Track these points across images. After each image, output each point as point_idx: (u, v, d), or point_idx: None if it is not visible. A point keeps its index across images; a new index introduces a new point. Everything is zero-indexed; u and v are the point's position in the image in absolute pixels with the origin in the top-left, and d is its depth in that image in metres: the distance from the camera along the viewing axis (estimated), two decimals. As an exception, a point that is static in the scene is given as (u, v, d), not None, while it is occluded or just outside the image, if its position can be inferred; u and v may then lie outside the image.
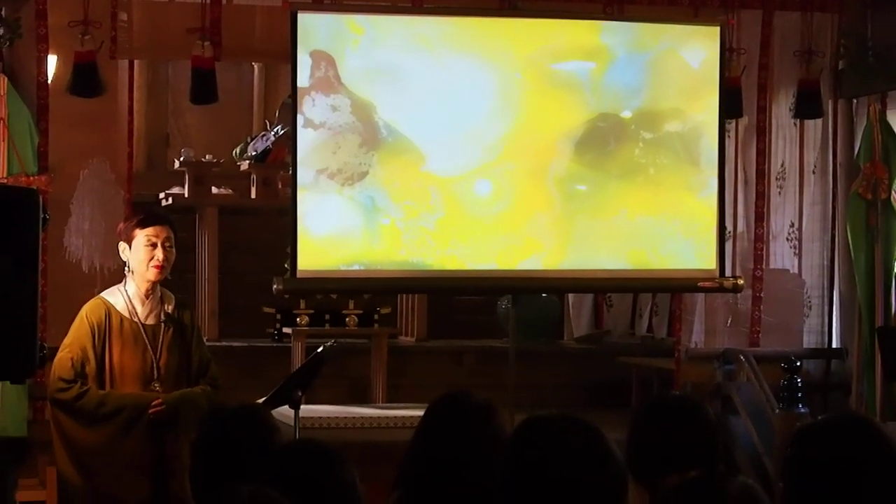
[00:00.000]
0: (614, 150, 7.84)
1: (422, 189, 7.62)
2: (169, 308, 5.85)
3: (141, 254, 5.75)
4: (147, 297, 5.80)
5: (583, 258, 7.81)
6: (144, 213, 5.97)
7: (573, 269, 7.80)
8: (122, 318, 5.75)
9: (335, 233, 7.50)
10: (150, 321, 5.79)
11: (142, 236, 5.76)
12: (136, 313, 5.78)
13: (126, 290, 5.82)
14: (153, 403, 5.65)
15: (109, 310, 5.76)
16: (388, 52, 7.59)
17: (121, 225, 5.95)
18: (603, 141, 7.82)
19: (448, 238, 7.66)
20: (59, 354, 5.67)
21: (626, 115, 7.87)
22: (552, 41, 7.80)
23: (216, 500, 2.60)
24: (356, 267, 7.55)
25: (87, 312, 5.77)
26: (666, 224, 7.88)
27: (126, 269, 5.83)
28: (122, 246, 5.82)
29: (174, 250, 5.83)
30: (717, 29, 8.03)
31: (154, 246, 5.76)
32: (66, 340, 5.74)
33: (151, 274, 5.76)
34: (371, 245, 7.54)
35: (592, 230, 7.80)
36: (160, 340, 5.77)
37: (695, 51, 7.95)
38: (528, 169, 7.76)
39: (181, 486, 5.31)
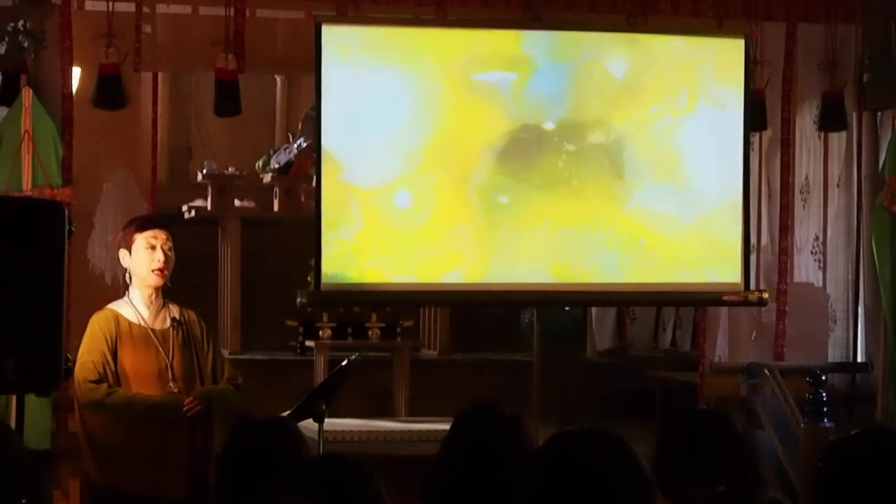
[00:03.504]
0: (537, 161, 7.74)
1: (340, 200, 7.51)
2: (175, 312, 5.90)
3: (141, 257, 5.83)
4: (152, 301, 5.87)
5: (505, 270, 7.70)
6: (142, 218, 6.08)
7: (496, 282, 7.70)
8: (130, 324, 5.84)
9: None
10: (158, 325, 5.87)
11: (141, 239, 5.84)
12: (144, 318, 5.85)
13: (131, 299, 5.89)
14: (187, 402, 5.69)
15: (118, 317, 5.85)
16: None
17: (119, 234, 6.05)
18: (525, 152, 7.72)
19: (368, 250, 7.56)
20: (79, 361, 5.75)
21: (549, 125, 7.76)
22: (473, 51, 7.72)
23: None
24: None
25: (97, 321, 5.86)
26: (589, 236, 7.77)
27: (127, 276, 5.88)
28: (123, 253, 5.90)
29: (174, 255, 5.87)
30: (642, 37, 7.99)
31: (154, 248, 5.82)
32: (83, 349, 5.83)
33: (152, 279, 5.84)
34: None
35: (515, 242, 7.70)
36: (171, 343, 5.83)
37: (618, 61, 7.84)
38: (450, 180, 7.66)
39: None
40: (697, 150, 7.91)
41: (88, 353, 5.77)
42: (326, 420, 5.91)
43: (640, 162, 7.85)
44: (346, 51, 7.52)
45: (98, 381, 5.72)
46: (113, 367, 5.76)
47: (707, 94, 7.93)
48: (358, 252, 7.52)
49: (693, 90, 7.92)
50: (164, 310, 5.91)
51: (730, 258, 7.96)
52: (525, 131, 7.72)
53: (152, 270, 5.83)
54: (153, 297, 5.88)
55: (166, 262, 5.85)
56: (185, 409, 5.70)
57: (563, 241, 7.73)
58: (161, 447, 5.68)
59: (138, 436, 5.67)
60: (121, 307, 5.89)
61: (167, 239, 5.87)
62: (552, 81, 7.75)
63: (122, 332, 5.80)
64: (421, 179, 7.61)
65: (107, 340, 5.77)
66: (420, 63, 7.64)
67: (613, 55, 7.86)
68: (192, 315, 6.00)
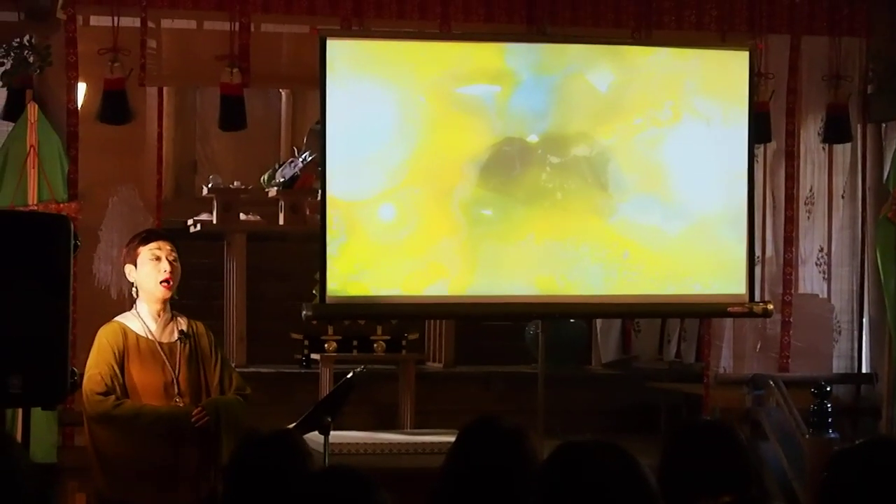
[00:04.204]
0: (520, 175, 7.72)
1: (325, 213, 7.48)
2: (182, 325, 5.91)
3: (147, 268, 5.84)
4: (159, 315, 5.88)
5: (489, 283, 7.68)
6: (145, 232, 6.08)
7: (480, 294, 7.68)
8: (138, 337, 5.84)
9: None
10: (166, 339, 5.88)
11: (146, 252, 5.85)
12: (151, 332, 5.85)
13: (139, 312, 5.89)
14: (194, 413, 5.70)
15: (125, 330, 5.85)
16: None
17: (123, 250, 6.06)
18: (509, 165, 7.70)
19: (352, 264, 7.53)
20: (88, 374, 5.76)
21: (533, 139, 7.74)
22: (456, 64, 7.70)
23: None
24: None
25: (105, 335, 5.86)
26: (574, 249, 7.75)
27: (134, 291, 5.89)
28: (129, 268, 5.91)
29: (179, 266, 5.88)
30: (626, 51, 7.96)
31: (159, 259, 5.83)
32: (91, 362, 5.84)
33: (160, 291, 5.85)
34: None
35: (499, 255, 7.67)
36: (178, 357, 5.84)
37: (602, 74, 7.82)
38: (433, 193, 7.64)
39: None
40: (684, 162, 7.88)
41: (96, 365, 5.78)
42: (332, 433, 5.91)
43: (624, 175, 7.83)
44: (330, 65, 7.49)
45: (106, 394, 5.73)
46: (121, 380, 5.77)
47: (692, 107, 7.90)
48: (342, 265, 7.51)
49: (677, 102, 7.89)
50: (171, 323, 5.92)
51: (731, 270, 7.95)
52: (508, 144, 7.71)
53: (160, 282, 5.83)
54: (161, 311, 5.89)
55: (172, 272, 5.86)
56: (193, 420, 5.71)
57: (548, 254, 7.71)
58: (169, 459, 5.69)
59: (146, 447, 5.67)
60: (128, 320, 5.90)
61: (171, 250, 5.89)
62: (536, 95, 7.73)
63: (129, 346, 5.81)
64: (404, 193, 7.59)
65: (114, 353, 5.78)
66: (403, 76, 7.62)
67: (598, 68, 7.84)
68: (201, 327, 6.01)
